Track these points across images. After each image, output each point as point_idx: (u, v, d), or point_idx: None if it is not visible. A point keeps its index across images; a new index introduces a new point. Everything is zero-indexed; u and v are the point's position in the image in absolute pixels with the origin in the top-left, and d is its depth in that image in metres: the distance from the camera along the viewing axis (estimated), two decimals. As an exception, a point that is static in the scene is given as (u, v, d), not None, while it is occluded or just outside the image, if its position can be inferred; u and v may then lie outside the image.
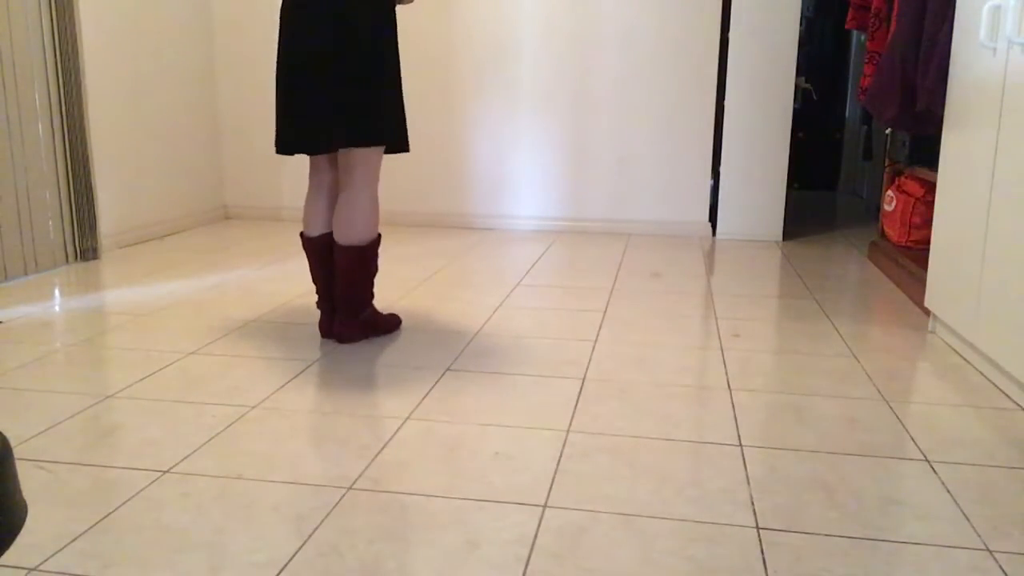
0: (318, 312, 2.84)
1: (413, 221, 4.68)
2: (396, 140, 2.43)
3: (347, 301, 2.49)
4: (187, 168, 4.47)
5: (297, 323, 2.71)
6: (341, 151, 2.40)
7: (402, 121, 2.44)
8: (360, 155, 2.39)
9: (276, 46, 2.45)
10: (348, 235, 2.42)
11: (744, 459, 1.74)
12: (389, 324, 2.62)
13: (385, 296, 3.06)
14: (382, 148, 2.44)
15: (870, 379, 2.25)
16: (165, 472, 1.66)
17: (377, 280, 3.32)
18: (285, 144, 2.42)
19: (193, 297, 3.04)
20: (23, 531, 1.42)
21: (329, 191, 2.52)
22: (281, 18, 2.38)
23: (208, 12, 4.61)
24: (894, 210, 3.66)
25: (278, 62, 2.39)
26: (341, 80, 2.30)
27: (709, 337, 2.62)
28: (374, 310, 2.58)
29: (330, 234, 2.50)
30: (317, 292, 2.56)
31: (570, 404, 2.04)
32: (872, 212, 5.34)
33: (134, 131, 4.01)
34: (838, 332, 2.69)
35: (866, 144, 5.43)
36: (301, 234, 2.54)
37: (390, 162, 4.63)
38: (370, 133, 2.37)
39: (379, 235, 2.49)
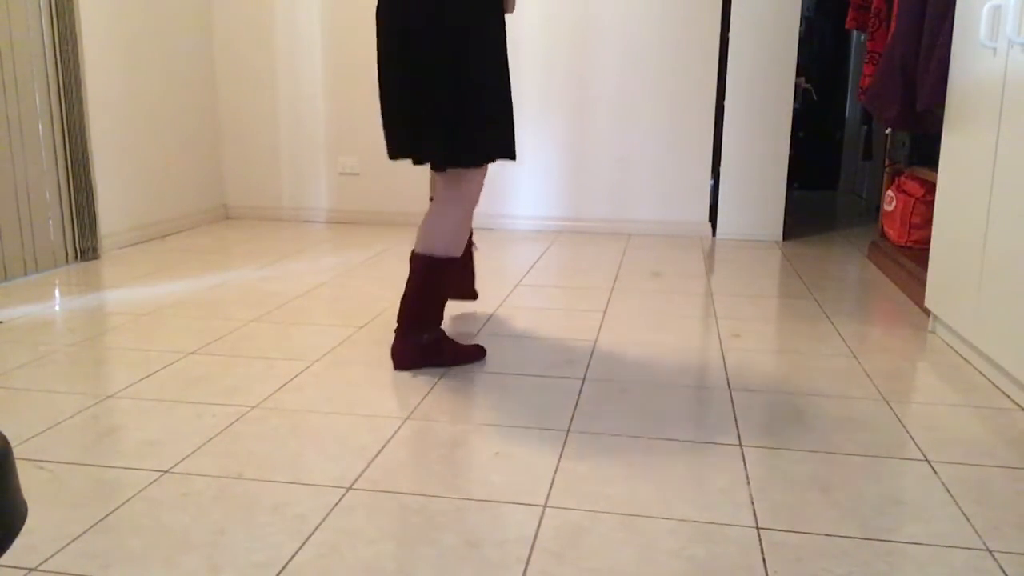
0: (318, 312, 2.84)
1: (413, 221, 4.69)
2: (498, 154, 2.19)
3: (407, 316, 2.26)
4: (187, 168, 4.47)
5: (297, 323, 2.71)
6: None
7: (507, 132, 2.18)
8: (458, 172, 2.19)
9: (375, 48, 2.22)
10: (425, 243, 2.21)
11: (744, 459, 1.74)
12: (461, 355, 2.31)
13: (384, 296, 3.06)
14: (483, 168, 2.21)
15: (870, 379, 2.25)
16: (165, 472, 1.66)
17: (379, 279, 3.32)
18: (394, 149, 2.22)
19: (193, 297, 3.04)
20: (23, 531, 1.42)
21: None
22: (378, 21, 2.17)
23: (208, 12, 4.61)
24: (894, 210, 3.66)
25: (385, 66, 2.18)
26: (457, 91, 2.08)
27: (709, 337, 2.62)
28: (443, 336, 2.29)
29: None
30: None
31: (570, 404, 2.04)
32: (872, 212, 5.34)
33: (134, 131, 4.01)
34: (838, 332, 2.69)
35: (866, 144, 5.43)
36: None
37: (390, 164, 4.63)
38: (467, 153, 2.13)
39: (455, 259, 2.23)
